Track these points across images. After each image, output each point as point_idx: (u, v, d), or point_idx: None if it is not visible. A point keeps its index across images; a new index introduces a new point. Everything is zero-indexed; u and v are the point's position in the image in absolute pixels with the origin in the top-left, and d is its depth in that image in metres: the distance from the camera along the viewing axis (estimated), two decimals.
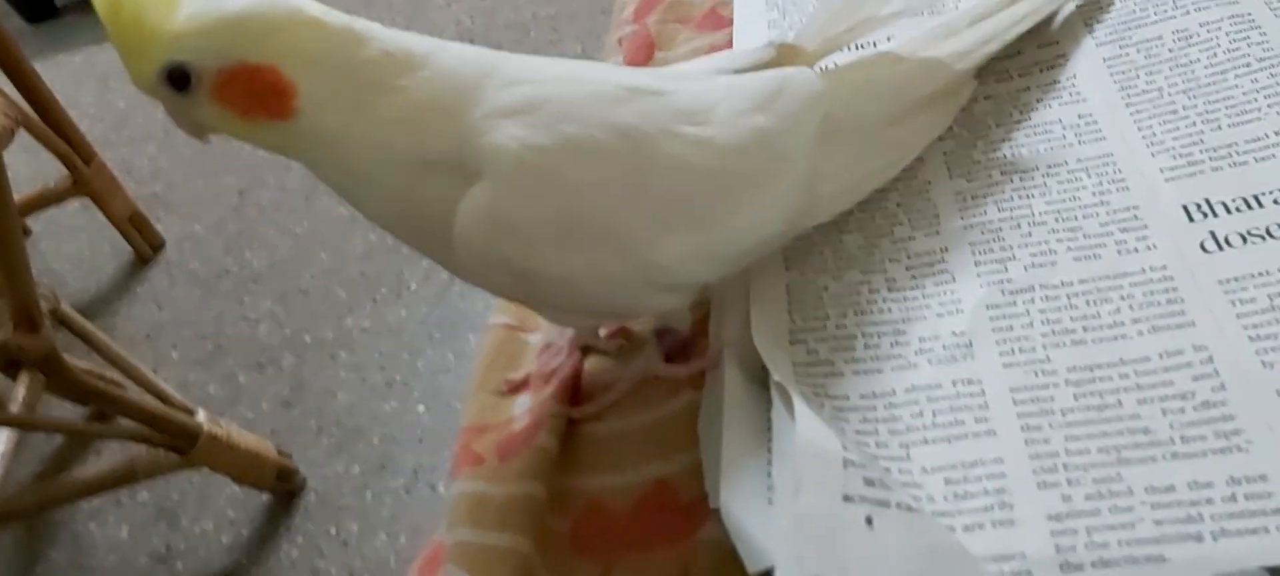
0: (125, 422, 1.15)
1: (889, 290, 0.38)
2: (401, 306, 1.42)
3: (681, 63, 0.42)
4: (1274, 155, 0.37)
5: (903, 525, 0.30)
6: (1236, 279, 0.34)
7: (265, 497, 1.28)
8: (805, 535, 0.29)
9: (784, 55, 0.39)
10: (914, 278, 0.38)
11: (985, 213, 0.39)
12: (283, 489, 1.28)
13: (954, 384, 0.34)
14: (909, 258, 0.39)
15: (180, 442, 1.18)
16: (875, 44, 0.47)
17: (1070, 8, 0.46)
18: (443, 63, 0.33)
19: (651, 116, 0.34)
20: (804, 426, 0.32)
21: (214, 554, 1.25)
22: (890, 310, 0.37)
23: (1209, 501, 0.29)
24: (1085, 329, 0.34)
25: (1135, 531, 0.29)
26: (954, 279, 0.37)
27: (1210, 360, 0.32)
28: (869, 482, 0.31)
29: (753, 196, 0.35)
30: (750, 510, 0.31)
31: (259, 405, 1.38)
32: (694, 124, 0.34)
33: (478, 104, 0.33)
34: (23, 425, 1.15)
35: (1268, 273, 0.33)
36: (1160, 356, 0.32)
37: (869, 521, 0.30)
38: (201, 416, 1.19)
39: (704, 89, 0.36)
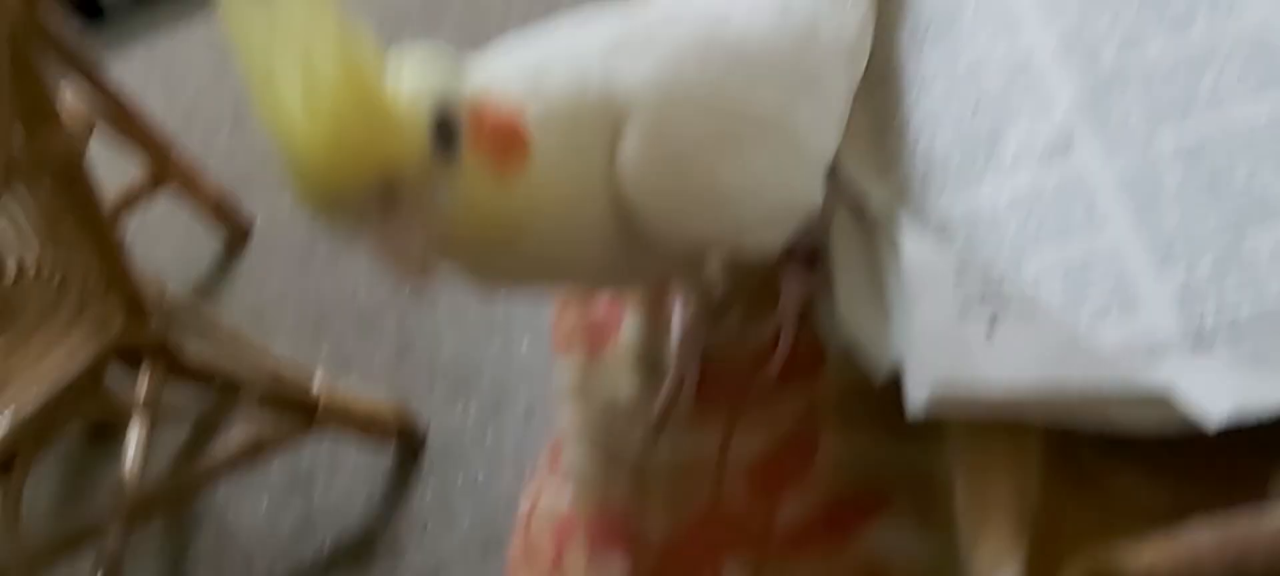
0: (246, 400, 1.21)
1: (978, 91, 0.37)
2: None
3: None
4: None
5: (1025, 330, 0.30)
6: None
7: (392, 453, 1.33)
8: (927, 347, 0.29)
9: None
10: (1002, 85, 0.37)
11: (1067, 7, 0.38)
12: (407, 442, 1.33)
13: (1060, 184, 0.34)
14: (994, 65, 0.38)
15: (301, 413, 1.23)
16: None
17: None
18: (541, 47, 0.33)
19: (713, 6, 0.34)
20: (910, 248, 0.33)
21: (353, 513, 1.30)
22: (981, 122, 0.37)
23: None
24: (1187, 104, 0.33)
25: (1264, 292, 0.28)
26: (1043, 78, 0.37)
27: None
28: (984, 297, 0.31)
29: (828, 50, 0.36)
30: (868, 326, 0.32)
31: (371, 366, 1.43)
32: None
33: (592, 62, 0.32)
34: (149, 416, 1.21)
35: None
36: (1269, 117, 0.32)
37: (990, 330, 0.30)
38: (318, 384, 1.24)
39: None
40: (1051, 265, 0.32)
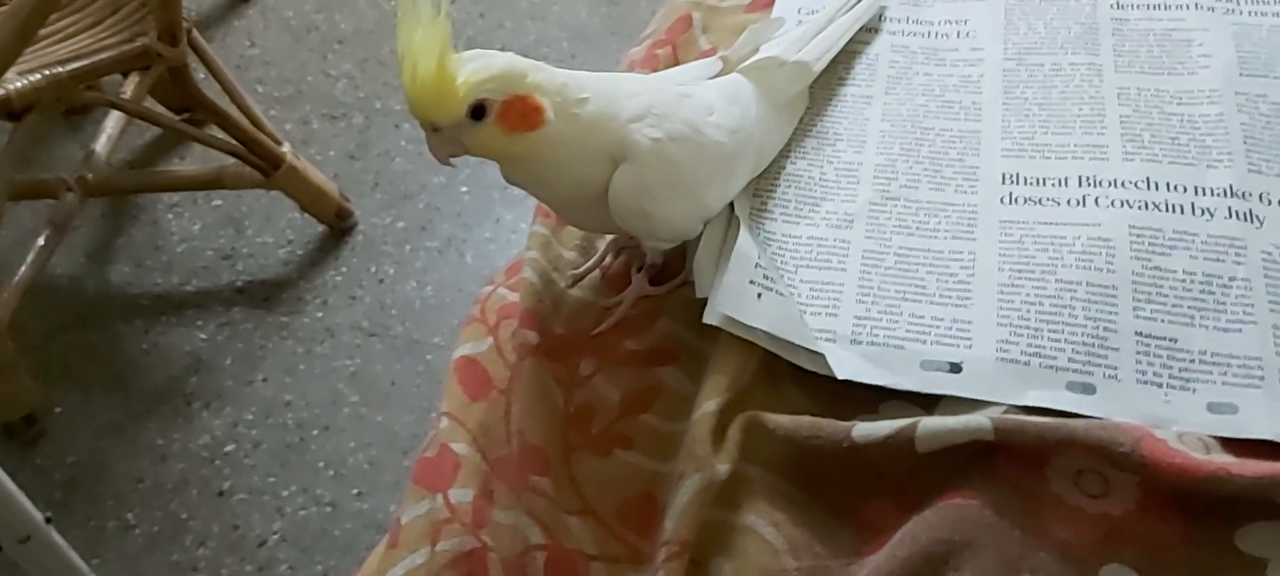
0: (221, 136, 1.43)
1: (820, 176, 0.65)
2: None
3: (671, 70, 0.70)
4: (1065, 159, 0.64)
5: (778, 303, 0.58)
6: (1010, 221, 0.61)
7: (321, 229, 1.57)
8: (727, 293, 0.58)
9: (726, 67, 0.67)
10: (837, 173, 0.65)
11: (891, 147, 0.66)
12: (337, 225, 1.57)
13: (835, 240, 0.62)
14: (838, 161, 0.66)
15: (265, 165, 1.46)
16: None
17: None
18: (597, 87, 0.58)
19: (696, 112, 0.60)
20: (742, 240, 0.61)
21: (270, 264, 1.55)
22: (815, 189, 0.65)
23: (940, 325, 0.57)
24: (917, 227, 0.62)
25: (894, 333, 0.57)
26: (858, 182, 0.65)
27: (973, 257, 0.60)
28: (766, 277, 0.60)
29: (743, 158, 0.63)
30: (706, 270, 0.60)
31: (327, 151, 1.67)
32: (712, 115, 0.61)
33: (620, 114, 0.58)
34: (139, 115, 1.42)
35: (1026, 223, 0.61)
36: (950, 252, 0.60)
37: (759, 296, 0.58)
38: (287, 147, 1.47)
39: (704, 91, 0.63)
40: (807, 279, 0.60)
